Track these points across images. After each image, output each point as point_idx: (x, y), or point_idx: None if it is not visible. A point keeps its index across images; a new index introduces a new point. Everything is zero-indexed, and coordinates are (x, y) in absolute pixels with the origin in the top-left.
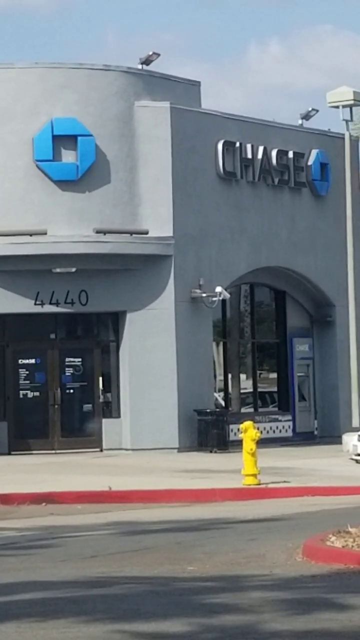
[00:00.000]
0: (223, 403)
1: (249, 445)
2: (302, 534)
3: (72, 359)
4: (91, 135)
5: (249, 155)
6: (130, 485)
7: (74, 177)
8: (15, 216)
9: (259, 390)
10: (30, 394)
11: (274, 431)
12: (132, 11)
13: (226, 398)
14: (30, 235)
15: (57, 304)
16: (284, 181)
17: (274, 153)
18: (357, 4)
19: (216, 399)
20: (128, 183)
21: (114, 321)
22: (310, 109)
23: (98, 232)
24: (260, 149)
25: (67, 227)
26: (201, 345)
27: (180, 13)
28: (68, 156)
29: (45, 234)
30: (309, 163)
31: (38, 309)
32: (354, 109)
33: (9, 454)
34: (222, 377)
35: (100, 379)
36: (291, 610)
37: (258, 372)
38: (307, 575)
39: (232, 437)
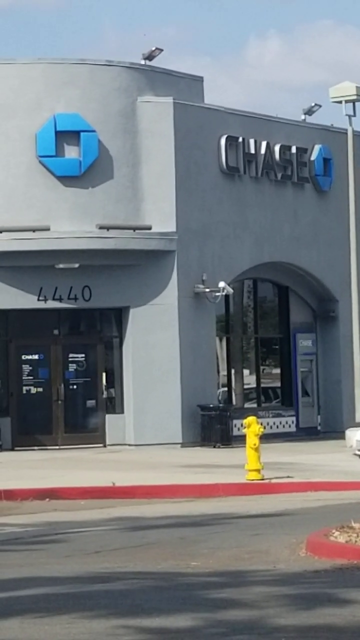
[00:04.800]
0: (226, 398)
1: (252, 440)
2: (305, 529)
3: (75, 355)
4: (94, 131)
5: (252, 151)
6: (133, 480)
7: (77, 172)
8: (18, 212)
9: (262, 385)
10: (33, 390)
11: (277, 426)
12: (132, 5)
13: (229, 393)
14: (33, 231)
15: (60, 299)
16: (287, 176)
17: (276, 148)
18: None
19: (219, 394)
20: (131, 179)
21: (117, 317)
22: (313, 104)
23: (101, 227)
24: (263, 144)
25: (70, 222)
26: (204, 340)
27: (180, 7)
28: (71, 152)
29: (48, 229)
30: (312, 158)
31: (41, 305)
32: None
33: (13, 449)
34: (225, 373)
35: (104, 374)
36: (295, 605)
37: (261, 367)
38: (310, 570)
39: (235, 433)
